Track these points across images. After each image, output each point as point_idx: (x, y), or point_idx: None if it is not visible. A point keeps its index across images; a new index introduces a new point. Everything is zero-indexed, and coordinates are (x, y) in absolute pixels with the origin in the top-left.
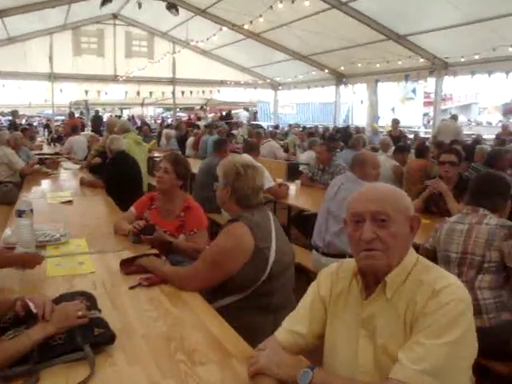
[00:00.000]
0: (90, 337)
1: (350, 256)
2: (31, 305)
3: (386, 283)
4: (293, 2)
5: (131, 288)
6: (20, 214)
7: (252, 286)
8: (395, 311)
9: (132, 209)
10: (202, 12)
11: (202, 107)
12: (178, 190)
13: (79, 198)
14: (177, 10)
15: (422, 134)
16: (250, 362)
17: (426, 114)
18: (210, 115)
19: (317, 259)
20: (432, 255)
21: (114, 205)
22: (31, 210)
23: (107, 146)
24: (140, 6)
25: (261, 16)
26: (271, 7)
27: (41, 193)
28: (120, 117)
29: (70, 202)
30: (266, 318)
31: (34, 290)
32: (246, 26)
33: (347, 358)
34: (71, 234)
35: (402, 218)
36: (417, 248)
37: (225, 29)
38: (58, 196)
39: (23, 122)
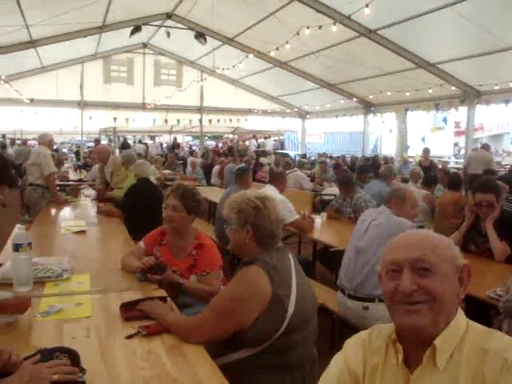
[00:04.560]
0: None
1: (380, 299)
2: None
3: (435, 349)
4: (320, 27)
5: (128, 338)
6: (17, 247)
7: (267, 341)
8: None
9: (141, 243)
10: (230, 41)
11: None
12: (190, 226)
13: (93, 228)
14: (205, 39)
15: (452, 164)
16: None
17: (456, 144)
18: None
19: (343, 302)
20: None
21: (127, 237)
22: (29, 244)
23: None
24: (169, 35)
25: (287, 43)
26: (298, 33)
27: (55, 221)
28: (145, 143)
29: (83, 232)
30: (281, 376)
31: (18, 338)
32: (272, 53)
33: None
34: (76, 269)
35: (449, 268)
36: None
37: (251, 56)
38: (73, 225)
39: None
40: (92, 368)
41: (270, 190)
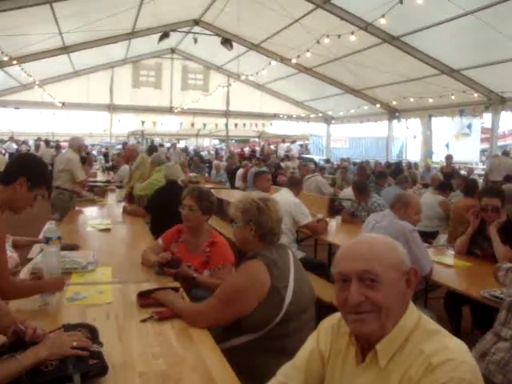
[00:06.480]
0: (82, 366)
1: None
2: (22, 328)
3: (376, 352)
4: (339, 36)
5: (142, 321)
6: (47, 240)
7: (265, 327)
8: (388, 383)
9: (160, 240)
10: (255, 47)
11: None
12: (205, 225)
13: (118, 226)
14: (231, 45)
15: (478, 171)
16: None
17: (485, 150)
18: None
19: None
20: None
21: (149, 234)
22: (58, 238)
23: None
24: (196, 41)
25: (308, 50)
26: (318, 42)
27: (83, 219)
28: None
29: (108, 230)
30: (278, 361)
31: (47, 318)
32: (293, 60)
33: None
34: (99, 262)
35: (396, 275)
36: None
37: (274, 63)
38: (99, 223)
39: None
40: (109, 343)
41: (284, 193)
